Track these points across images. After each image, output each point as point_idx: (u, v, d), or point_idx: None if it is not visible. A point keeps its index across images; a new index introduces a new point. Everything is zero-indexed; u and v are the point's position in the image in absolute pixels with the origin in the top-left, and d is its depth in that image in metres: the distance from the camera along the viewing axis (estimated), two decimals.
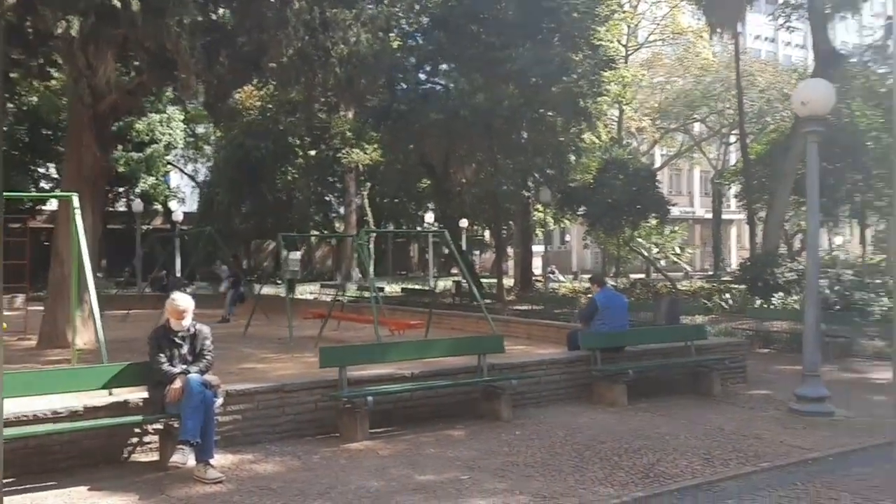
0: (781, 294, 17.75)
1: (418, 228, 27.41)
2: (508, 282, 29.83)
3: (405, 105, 22.67)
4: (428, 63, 23.90)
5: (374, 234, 31.57)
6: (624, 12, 32.27)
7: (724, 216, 46.34)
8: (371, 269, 14.86)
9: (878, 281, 22.21)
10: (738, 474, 6.22)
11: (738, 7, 22.58)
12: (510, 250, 34.38)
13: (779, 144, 24.93)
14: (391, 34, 22.46)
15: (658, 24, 39.15)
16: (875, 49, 20.65)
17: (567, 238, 51.76)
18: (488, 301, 19.01)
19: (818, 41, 20.28)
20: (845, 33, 55.98)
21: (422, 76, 24.21)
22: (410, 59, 23.30)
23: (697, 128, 43.70)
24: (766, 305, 16.66)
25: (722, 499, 5.64)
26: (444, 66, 23.76)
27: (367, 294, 18.34)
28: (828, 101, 8.84)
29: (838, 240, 53.88)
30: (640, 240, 28.54)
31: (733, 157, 40.69)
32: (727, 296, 20.20)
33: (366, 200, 32.06)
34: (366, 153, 24.84)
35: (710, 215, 46.31)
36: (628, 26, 35.61)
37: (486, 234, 39.80)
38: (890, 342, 13.80)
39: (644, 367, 9.43)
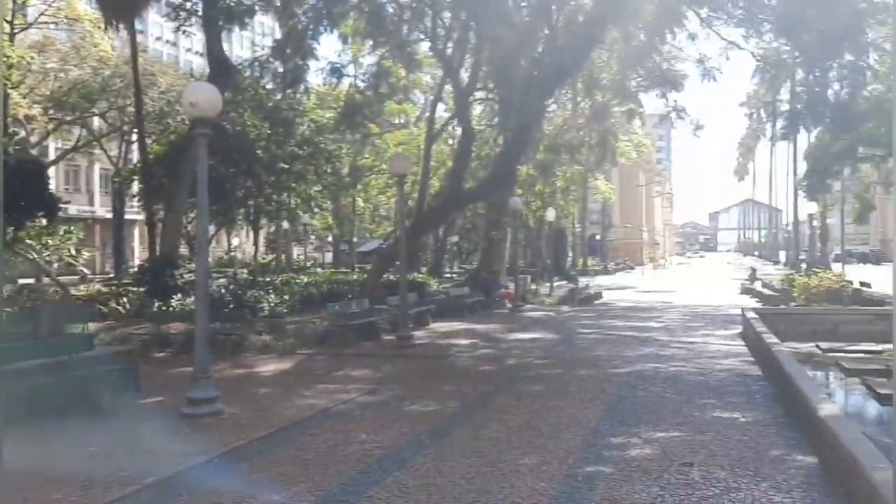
0: (181, 295, 17.81)
1: None
2: None
3: None
4: None
5: None
6: None
7: (127, 216, 45.02)
8: None
9: (268, 279, 24.41)
10: (121, 497, 5.72)
11: (133, 4, 21.93)
12: None
13: (178, 146, 25.13)
14: None
15: (50, 6, 35.70)
16: (262, 65, 22.33)
17: None
18: None
19: (212, 50, 21.05)
20: (240, 49, 60.58)
21: None
22: None
23: (97, 122, 41.35)
24: (164, 308, 16.44)
25: None
26: None
27: None
28: (215, 104, 9.04)
29: (236, 241, 58.04)
30: (29, 241, 25.38)
31: (136, 156, 39.73)
32: (125, 300, 19.41)
33: None
34: None
35: (111, 215, 44.43)
36: (14, 2, 31.52)
37: None
38: (276, 336, 15.12)
39: (12, 393, 8.09)
